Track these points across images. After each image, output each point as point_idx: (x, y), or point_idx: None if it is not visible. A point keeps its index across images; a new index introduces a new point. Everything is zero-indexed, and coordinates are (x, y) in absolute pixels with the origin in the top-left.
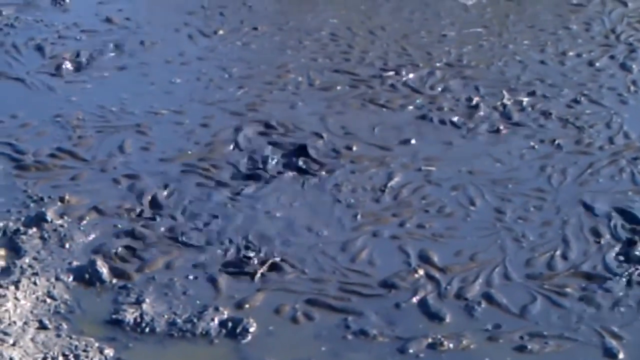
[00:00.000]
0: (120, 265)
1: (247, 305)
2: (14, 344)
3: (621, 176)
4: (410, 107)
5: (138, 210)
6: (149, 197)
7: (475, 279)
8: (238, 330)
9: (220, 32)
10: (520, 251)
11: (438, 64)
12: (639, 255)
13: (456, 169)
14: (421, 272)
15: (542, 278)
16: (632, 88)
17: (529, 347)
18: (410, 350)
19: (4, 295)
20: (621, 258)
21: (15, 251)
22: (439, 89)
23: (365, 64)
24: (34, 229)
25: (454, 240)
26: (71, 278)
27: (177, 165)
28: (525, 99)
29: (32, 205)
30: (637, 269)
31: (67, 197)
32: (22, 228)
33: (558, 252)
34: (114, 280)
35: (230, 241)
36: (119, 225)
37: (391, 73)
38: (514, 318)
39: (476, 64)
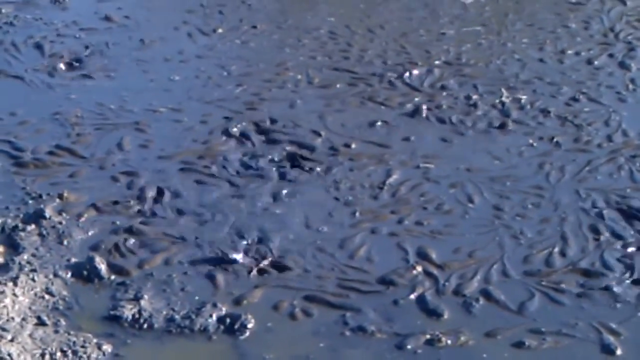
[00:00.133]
0: (119, 262)
1: (245, 302)
2: (12, 340)
3: (619, 174)
4: (409, 105)
5: (136, 207)
6: (148, 194)
7: (474, 276)
8: (236, 327)
9: (220, 30)
10: (519, 248)
11: (437, 62)
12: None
13: (454, 167)
14: (419, 268)
15: (540, 275)
16: (631, 86)
17: (527, 343)
18: (408, 347)
19: (3, 292)
20: (619, 255)
21: (14, 248)
22: (438, 87)
23: (364, 62)
24: (33, 226)
25: (452, 237)
26: (69, 274)
27: (176, 163)
28: (524, 97)
29: (30, 202)
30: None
31: (65, 194)
32: (20, 225)
33: (556, 249)
34: (112, 277)
35: (229, 238)
36: (118, 222)
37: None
38: (512, 315)
39: (475, 62)
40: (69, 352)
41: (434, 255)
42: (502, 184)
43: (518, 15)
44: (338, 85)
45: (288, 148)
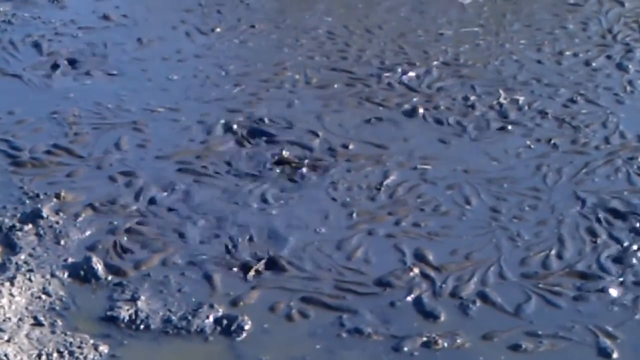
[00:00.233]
0: (116, 262)
1: (242, 303)
2: (8, 340)
3: (617, 176)
4: (407, 106)
5: (134, 207)
6: (145, 194)
7: (470, 278)
8: (233, 328)
9: (218, 29)
10: (515, 250)
11: (435, 63)
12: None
13: (452, 168)
14: (416, 270)
15: (537, 277)
16: (628, 88)
17: (524, 346)
18: (405, 349)
19: None
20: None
21: (11, 247)
22: (436, 87)
23: (362, 62)
24: (30, 226)
25: (449, 239)
26: (66, 275)
27: (173, 163)
28: (522, 98)
29: (27, 201)
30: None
31: (63, 194)
32: (17, 224)
33: (553, 252)
34: (109, 277)
35: (226, 239)
36: (115, 222)
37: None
38: (508, 317)
39: (473, 63)
40: (66, 353)
41: (431, 257)
42: (499, 185)
43: (516, 16)
44: (336, 86)
45: (286, 149)
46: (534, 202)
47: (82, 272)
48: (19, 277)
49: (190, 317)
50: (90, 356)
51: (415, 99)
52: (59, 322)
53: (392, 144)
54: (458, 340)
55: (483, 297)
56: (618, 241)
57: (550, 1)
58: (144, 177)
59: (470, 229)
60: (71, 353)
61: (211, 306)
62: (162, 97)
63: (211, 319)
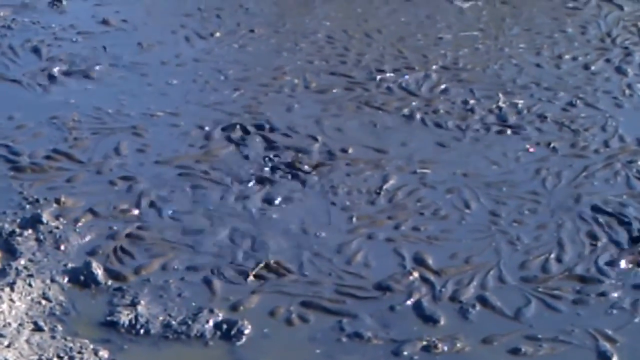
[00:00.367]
0: (116, 267)
1: (241, 308)
2: (8, 346)
3: (616, 179)
4: (406, 110)
5: (134, 212)
6: (145, 199)
7: (470, 282)
8: (233, 333)
9: (217, 34)
10: (515, 254)
11: (434, 67)
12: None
13: (451, 172)
14: (416, 274)
15: (536, 281)
16: (628, 91)
17: (523, 349)
18: (405, 353)
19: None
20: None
21: (11, 253)
22: (435, 91)
23: (361, 66)
24: (30, 231)
25: (448, 243)
26: (66, 280)
27: (173, 167)
28: (521, 102)
29: (27, 206)
30: (631, 272)
31: (62, 199)
32: (17, 230)
33: (552, 255)
34: (109, 282)
35: (225, 243)
36: (115, 227)
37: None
38: (508, 321)
39: (472, 66)
40: (66, 358)
41: (430, 261)
42: (498, 189)
43: (515, 20)
44: (335, 90)
45: (285, 153)
46: (534, 206)
47: (82, 277)
48: (19, 283)
49: (190, 322)
50: None
51: (414, 103)
52: (59, 327)
53: (391, 148)
54: (458, 344)
55: (483, 301)
56: (618, 245)
57: (549, 5)
58: (143, 182)
59: (470, 233)
60: (71, 358)
61: (211, 311)
62: (162, 102)
63: (211, 323)
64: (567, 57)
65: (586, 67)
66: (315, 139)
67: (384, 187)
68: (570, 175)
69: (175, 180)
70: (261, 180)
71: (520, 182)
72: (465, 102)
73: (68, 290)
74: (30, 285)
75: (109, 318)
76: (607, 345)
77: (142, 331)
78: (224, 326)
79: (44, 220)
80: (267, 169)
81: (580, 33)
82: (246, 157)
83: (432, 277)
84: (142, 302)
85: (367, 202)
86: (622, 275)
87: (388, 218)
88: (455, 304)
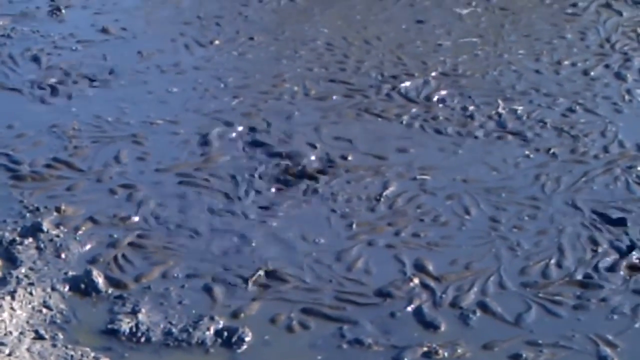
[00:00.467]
0: (116, 275)
1: (242, 315)
2: (9, 354)
3: (616, 184)
4: (406, 117)
5: (134, 220)
6: (145, 207)
7: (470, 288)
8: (234, 340)
9: (216, 42)
10: (515, 260)
11: (433, 74)
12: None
13: (451, 178)
14: (416, 280)
15: (537, 286)
16: (627, 97)
17: (524, 355)
18: (405, 359)
19: (0, 306)
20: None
21: (11, 261)
22: (434, 98)
23: (361, 73)
24: (30, 239)
25: (449, 249)
26: (67, 288)
27: (173, 175)
28: (520, 108)
29: (28, 215)
30: (631, 277)
31: (63, 207)
32: (18, 238)
33: (553, 261)
34: (110, 290)
35: (226, 250)
36: (115, 235)
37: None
38: (508, 326)
39: (471, 73)
40: None
41: (430, 267)
42: (498, 195)
43: (514, 26)
44: (334, 97)
45: (284, 161)
46: (534, 212)
47: (82, 286)
48: (20, 291)
49: (190, 329)
50: None
51: (414, 110)
52: (60, 336)
53: (391, 154)
54: (458, 350)
55: (483, 306)
56: (618, 250)
57: (549, 11)
58: (144, 190)
59: (470, 239)
60: None
61: (212, 318)
62: (162, 110)
63: (212, 330)
64: (566, 63)
65: (585, 72)
66: (315, 146)
67: (384, 193)
68: (570, 180)
69: (175, 188)
70: (261, 188)
71: (520, 188)
72: (465, 109)
73: (69, 298)
74: (31, 293)
75: (109, 326)
76: (607, 351)
77: (143, 339)
78: (225, 333)
79: (45, 228)
80: (266, 176)
81: (579, 39)
82: (246, 165)
83: (432, 283)
84: (143, 309)
85: (367, 208)
86: (623, 281)
87: (388, 224)
88: (455, 310)
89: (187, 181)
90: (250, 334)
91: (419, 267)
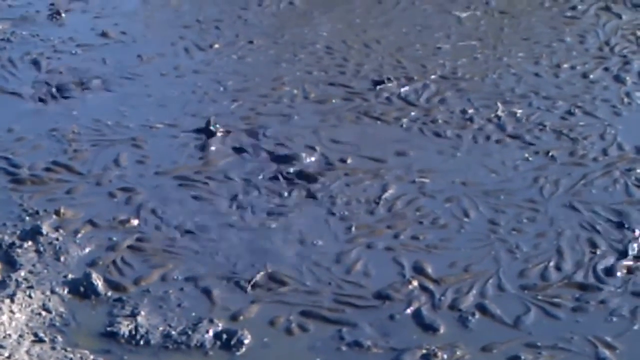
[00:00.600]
0: (115, 278)
1: (241, 317)
2: (9, 357)
3: (615, 187)
4: (405, 120)
5: (133, 223)
6: (144, 210)
7: (469, 290)
8: (233, 342)
9: (216, 45)
10: (514, 262)
11: (432, 77)
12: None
13: (450, 181)
14: (415, 283)
15: (535, 289)
16: (626, 100)
17: (523, 357)
18: None
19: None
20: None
21: (11, 264)
22: (434, 101)
23: (360, 77)
24: (30, 243)
25: (448, 251)
26: (66, 291)
27: (172, 179)
28: (520, 111)
29: (27, 218)
30: (630, 279)
31: (62, 211)
32: (17, 241)
33: (552, 263)
34: (109, 293)
35: (225, 253)
36: (114, 238)
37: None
38: (507, 329)
39: (470, 76)
40: None
41: (429, 270)
42: (497, 198)
43: (513, 29)
44: (334, 100)
45: (284, 164)
46: (533, 214)
47: (82, 288)
48: (19, 294)
49: (190, 332)
50: None
51: (413, 113)
52: (59, 338)
53: (390, 157)
54: (457, 352)
55: (482, 309)
56: (616, 252)
57: (548, 14)
58: (143, 193)
59: (469, 242)
60: None
61: (211, 321)
62: (161, 113)
63: (211, 333)
64: (565, 66)
65: (585, 75)
66: (314, 149)
67: (383, 196)
68: (569, 183)
69: (174, 191)
70: (259, 191)
71: (519, 191)
72: (464, 112)
73: (68, 301)
74: (30, 296)
75: (109, 329)
76: (606, 352)
77: (142, 341)
78: (224, 336)
79: (44, 231)
80: (266, 179)
81: (578, 42)
82: (245, 168)
83: (431, 286)
84: (142, 312)
85: (366, 211)
86: (621, 283)
87: (387, 227)
88: (454, 313)
89: (186, 184)
90: (249, 336)
91: (418, 270)
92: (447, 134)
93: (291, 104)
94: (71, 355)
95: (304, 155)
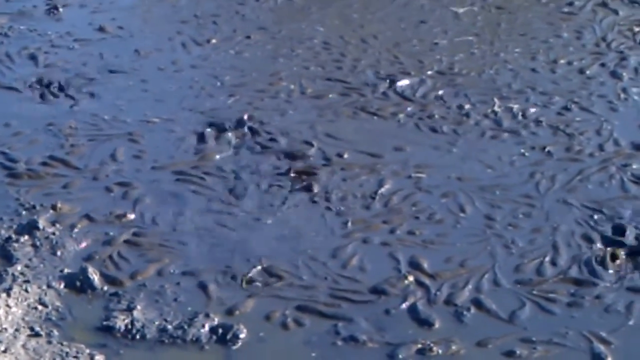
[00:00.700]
0: (112, 273)
1: (237, 312)
2: (5, 351)
3: (611, 183)
4: (402, 115)
5: (130, 217)
6: (141, 205)
7: (465, 285)
8: (228, 337)
9: (213, 40)
10: (510, 257)
11: (429, 72)
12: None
13: (446, 176)
14: (411, 278)
15: (531, 284)
16: (622, 95)
17: (518, 352)
18: (400, 356)
19: None
20: (609, 264)
21: (7, 259)
22: (430, 97)
23: (357, 72)
24: (26, 237)
25: (443, 246)
26: (63, 285)
27: (169, 173)
28: (516, 106)
29: (24, 213)
30: (625, 274)
31: (59, 205)
32: (14, 236)
33: (547, 258)
34: (105, 287)
35: (221, 248)
36: (111, 233)
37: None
38: (503, 324)
39: (467, 71)
40: None
41: (425, 265)
42: (493, 193)
43: (510, 25)
44: (331, 95)
45: (280, 159)
46: (528, 210)
47: (78, 283)
48: (16, 288)
49: (186, 327)
50: None
51: (409, 108)
52: (56, 333)
53: (386, 152)
54: (453, 347)
55: (477, 304)
56: (612, 247)
57: (545, 10)
58: (140, 188)
59: (465, 237)
60: None
61: (207, 315)
62: (158, 108)
63: (207, 328)
64: (562, 61)
65: (581, 71)
66: (311, 144)
67: (379, 191)
68: (565, 178)
69: (171, 186)
70: (256, 185)
71: (515, 186)
72: (461, 107)
73: (64, 295)
74: (26, 290)
75: (105, 323)
76: (601, 348)
77: (138, 336)
78: (220, 330)
79: (40, 226)
80: (262, 174)
81: (575, 38)
82: (242, 163)
83: (427, 281)
84: (138, 307)
85: (362, 206)
86: (617, 278)
87: (383, 222)
88: (450, 307)
89: (183, 179)
90: (245, 331)
91: (414, 265)
92: (444, 129)
93: (288, 99)
94: (67, 349)
95: (300, 150)
